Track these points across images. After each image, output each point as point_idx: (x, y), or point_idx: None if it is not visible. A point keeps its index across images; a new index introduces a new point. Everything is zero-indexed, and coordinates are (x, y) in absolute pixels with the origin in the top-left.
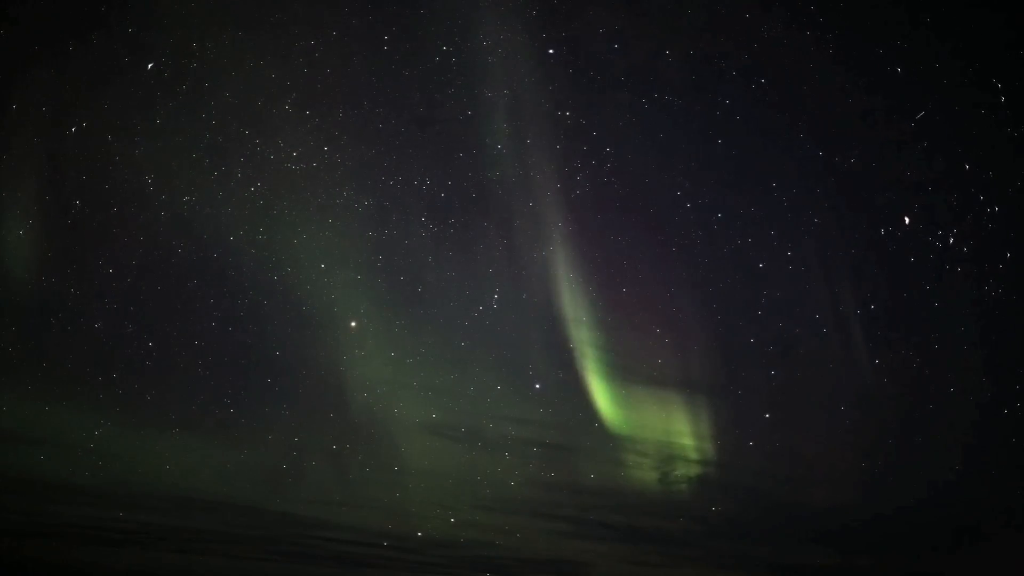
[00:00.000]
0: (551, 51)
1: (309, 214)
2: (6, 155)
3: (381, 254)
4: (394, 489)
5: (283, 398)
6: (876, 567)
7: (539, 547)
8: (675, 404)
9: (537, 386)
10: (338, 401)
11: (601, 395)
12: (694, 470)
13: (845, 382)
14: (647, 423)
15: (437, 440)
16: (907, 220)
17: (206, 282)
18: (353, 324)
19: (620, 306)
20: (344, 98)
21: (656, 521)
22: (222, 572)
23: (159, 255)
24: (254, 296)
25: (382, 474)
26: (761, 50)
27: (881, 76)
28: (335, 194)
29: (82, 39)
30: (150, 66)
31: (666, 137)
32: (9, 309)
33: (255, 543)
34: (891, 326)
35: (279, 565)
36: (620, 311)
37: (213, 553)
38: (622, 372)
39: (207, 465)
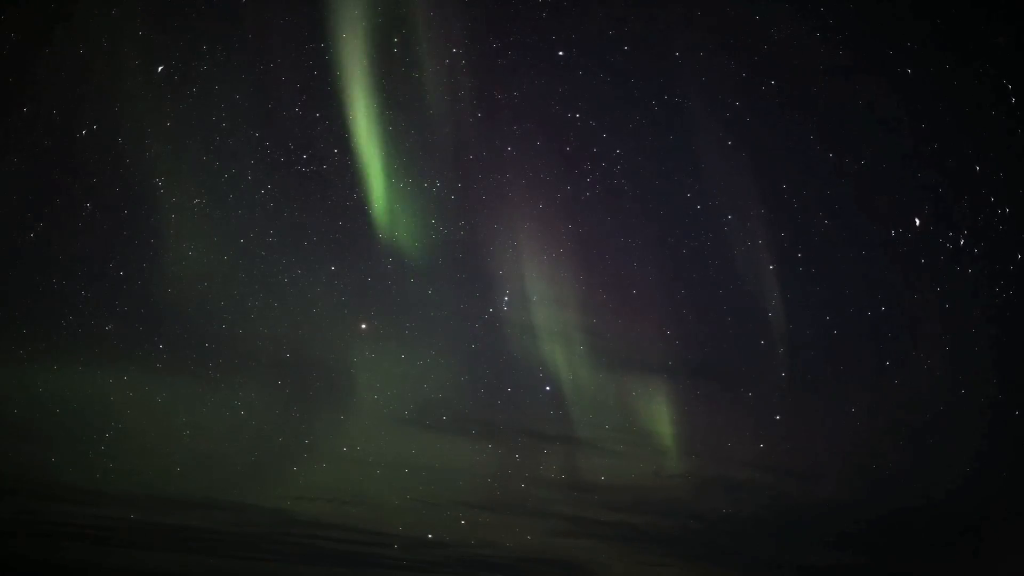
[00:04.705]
0: (560, 53)
1: (319, 216)
2: (16, 158)
3: (391, 256)
4: (404, 491)
5: (294, 400)
6: (884, 569)
7: (548, 548)
8: (685, 406)
9: (548, 387)
10: (349, 403)
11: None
12: (705, 472)
13: (855, 384)
14: (656, 425)
15: (447, 442)
16: (918, 222)
17: (216, 284)
18: (363, 326)
19: (630, 308)
20: (353, 100)
21: (666, 522)
22: (232, 573)
23: (169, 257)
24: (264, 298)
25: (392, 476)
26: (771, 52)
27: (891, 77)
28: (345, 196)
29: (92, 42)
30: (160, 68)
31: (676, 139)
32: (19, 311)
33: (266, 544)
34: (902, 328)
35: (289, 566)
36: (630, 313)
37: (222, 554)
38: (631, 373)
39: (218, 467)
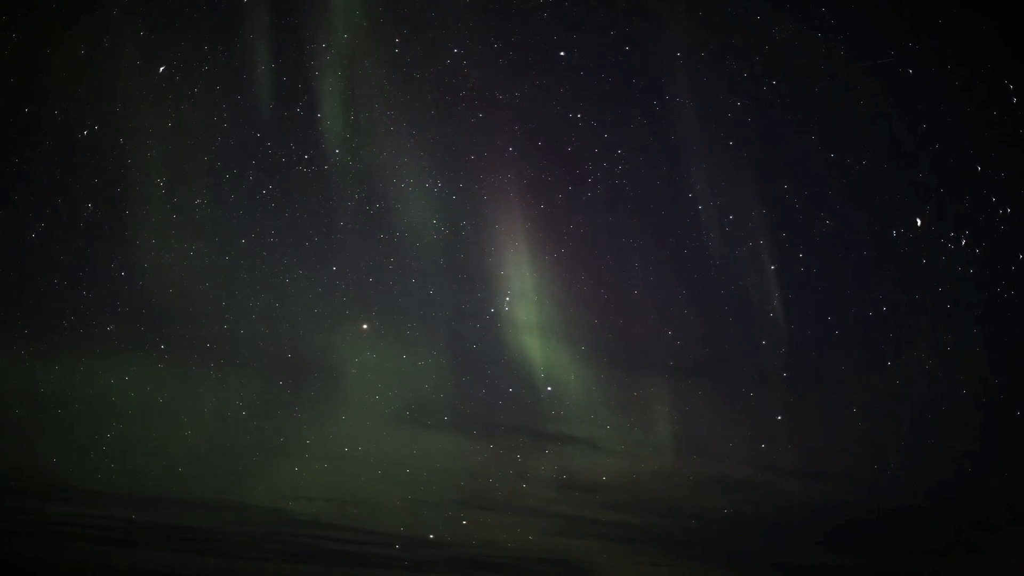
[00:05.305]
0: (562, 53)
1: (320, 216)
2: (18, 158)
3: (392, 256)
4: (406, 491)
5: (295, 400)
6: (884, 569)
7: (548, 547)
8: (685, 406)
9: (549, 388)
10: (350, 403)
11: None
12: (705, 472)
13: (857, 384)
14: (657, 424)
15: (449, 443)
16: (919, 222)
17: (218, 284)
18: (365, 326)
19: (631, 308)
20: (355, 101)
21: (666, 522)
22: (232, 573)
23: (171, 258)
24: (266, 299)
25: (393, 476)
26: (772, 52)
27: (892, 77)
28: (346, 196)
29: (93, 43)
30: (161, 69)
31: (677, 139)
32: (21, 312)
33: (266, 544)
34: (903, 328)
35: (289, 566)
36: (631, 313)
37: (222, 554)
38: (632, 373)
39: (219, 468)
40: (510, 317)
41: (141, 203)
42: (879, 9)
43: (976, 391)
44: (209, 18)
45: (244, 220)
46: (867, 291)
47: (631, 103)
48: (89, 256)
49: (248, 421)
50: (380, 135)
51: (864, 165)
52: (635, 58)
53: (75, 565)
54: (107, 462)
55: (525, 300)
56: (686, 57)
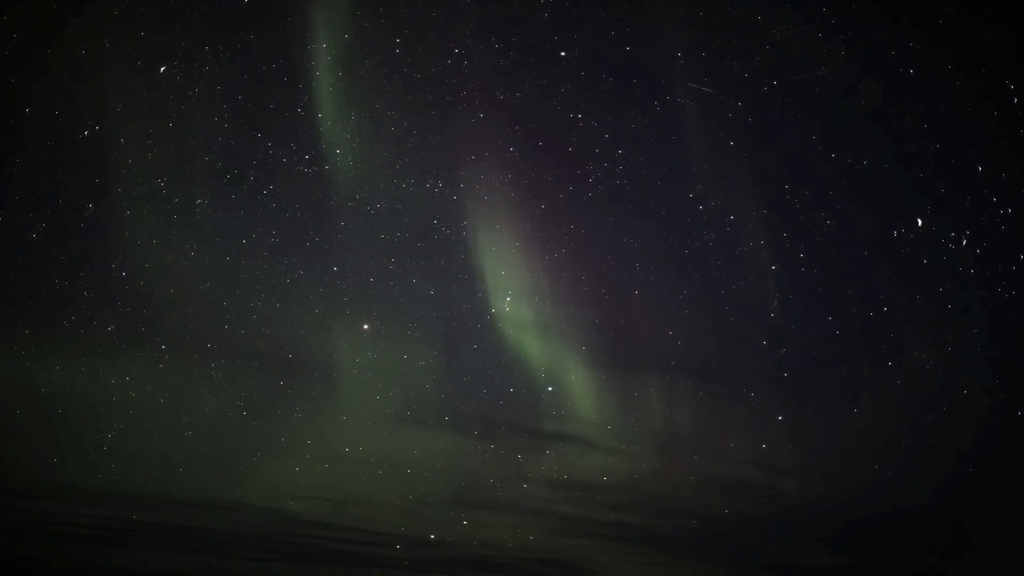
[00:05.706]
0: (563, 53)
1: (321, 217)
2: (18, 158)
3: (393, 257)
4: (406, 491)
5: (296, 401)
6: (885, 569)
7: (549, 548)
8: (686, 406)
9: (549, 388)
10: (351, 403)
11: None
12: (705, 471)
13: (856, 384)
14: (659, 424)
15: (449, 443)
16: (919, 222)
17: (218, 285)
18: (366, 327)
19: (632, 308)
20: (356, 101)
21: (666, 522)
22: (232, 573)
23: (172, 258)
24: (267, 299)
25: (394, 476)
26: (773, 52)
27: (893, 78)
28: (347, 197)
29: (94, 42)
30: (162, 69)
31: (678, 139)
32: (22, 312)
33: (266, 544)
34: (903, 328)
35: (289, 566)
36: (632, 313)
37: (222, 554)
38: (632, 373)
39: (219, 467)
40: (511, 317)
41: (141, 203)
42: (879, 10)
43: (976, 391)
44: (209, 17)
45: (244, 220)
46: (867, 291)
47: (632, 103)
48: (89, 256)
49: (248, 421)
50: (380, 135)
51: (864, 165)
52: (636, 58)
53: (75, 565)
54: (107, 462)
55: (525, 300)
56: (687, 57)
